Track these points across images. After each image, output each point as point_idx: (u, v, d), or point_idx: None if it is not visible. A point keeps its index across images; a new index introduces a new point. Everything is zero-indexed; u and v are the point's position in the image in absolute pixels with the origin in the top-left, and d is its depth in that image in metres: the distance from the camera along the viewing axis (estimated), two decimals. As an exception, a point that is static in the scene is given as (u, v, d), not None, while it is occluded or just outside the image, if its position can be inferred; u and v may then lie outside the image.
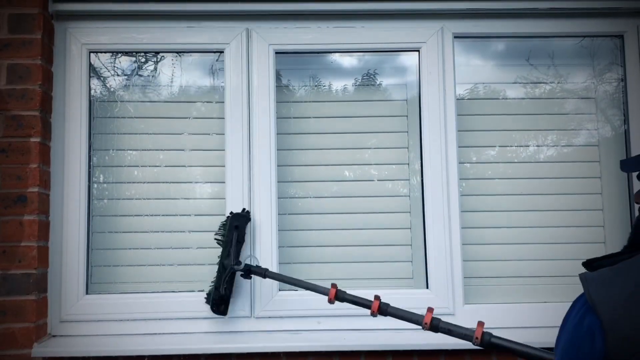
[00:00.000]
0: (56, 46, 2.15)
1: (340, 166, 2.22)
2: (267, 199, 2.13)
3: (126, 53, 2.24)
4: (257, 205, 2.13)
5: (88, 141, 2.14)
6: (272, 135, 2.15)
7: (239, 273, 1.96)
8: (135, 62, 2.26)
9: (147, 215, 2.17)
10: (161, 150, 2.20)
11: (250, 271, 1.93)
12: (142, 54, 2.25)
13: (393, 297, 2.09)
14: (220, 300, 1.99)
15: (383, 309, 1.70)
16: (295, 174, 2.22)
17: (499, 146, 2.24)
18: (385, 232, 2.19)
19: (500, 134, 2.25)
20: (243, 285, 2.08)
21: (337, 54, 2.28)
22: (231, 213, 2.06)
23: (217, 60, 2.24)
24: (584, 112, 2.26)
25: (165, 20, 2.19)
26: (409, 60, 2.27)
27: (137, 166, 2.19)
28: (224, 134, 2.16)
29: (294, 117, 2.24)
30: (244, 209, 2.07)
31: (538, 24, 2.23)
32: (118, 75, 2.24)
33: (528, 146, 2.25)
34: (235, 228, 2.02)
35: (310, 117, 2.25)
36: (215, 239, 2.05)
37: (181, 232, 2.17)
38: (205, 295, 2.04)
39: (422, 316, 1.64)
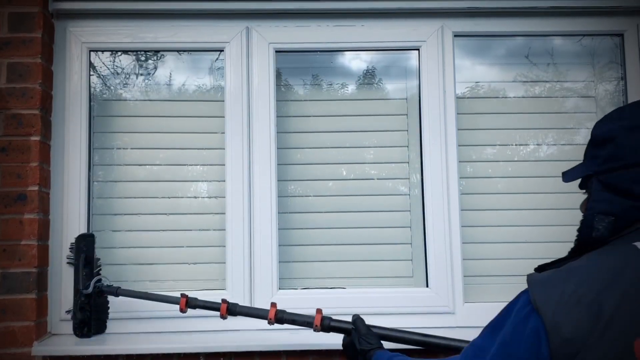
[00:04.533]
0: (56, 45, 2.15)
1: (340, 165, 2.22)
2: (267, 197, 2.13)
3: (126, 52, 2.24)
4: (257, 203, 2.13)
5: (88, 140, 2.14)
6: (272, 133, 2.15)
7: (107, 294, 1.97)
8: (135, 60, 2.26)
9: (147, 214, 2.18)
10: (161, 149, 2.20)
11: (102, 291, 1.95)
12: (142, 52, 2.25)
13: (393, 296, 2.10)
14: (81, 324, 1.96)
15: (232, 310, 1.75)
16: (295, 172, 2.22)
17: (499, 145, 2.25)
18: (385, 230, 2.19)
19: (500, 133, 2.25)
20: (243, 285, 2.08)
21: (337, 53, 2.28)
22: (76, 237, 2.03)
23: (217, 58, 2.24)
24: (583, 111, 2.26)
25: (165, 18, 2.19)
26: (409, 58, 2.27)
27: (137, 165, 2.19)
28: (224, 133, 2.16)
29: (294, 116, 2.24)
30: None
31: (538, 22, 2.23)
32: (118, 73, 2.24)
33: (528, 145, 2.25)
34: (83, 250, 1.99)
35: (310, 116, 2.25)
36: (68, 262, 2.05)
37: (181, 230, 2.17)
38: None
39: (266, 310, 1.71)
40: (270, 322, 1.70)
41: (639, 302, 0.87)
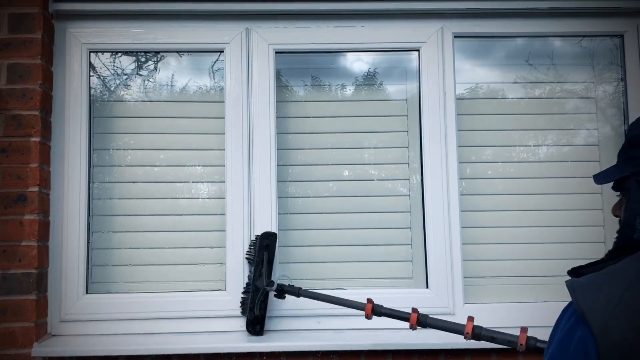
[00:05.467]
0: (56, 46, 2.16)
1: (340, 165, 2.22)
2: (267, 198, 2.13)
3: (126, 52, 2.24)
4: (257, 204, 2.13)
5: (88, 141, 2.14)
6: (272, 134, 2.15)
7: (272, 293, 1.96)
8: (135, 61, 2.26)
9: (147, 215, 2.18)
10: (161, 149, 2.20)
11: (284, 291, 1.90)
12: (142, 53, 2.25)
13: (393, 297, 2.10)
14: (255, 321, 1.99)
15: (422, 321, 1.65)
16: (295, 173, 2.22)
17: (499, 146, 2.24)
18: (385, 231, 2.19)
19: (500, 134, 2.25)
20: (243, 285, 2.08)
21: (337, 54, 2.28)
22: (260, 234, 2.05)
23: (217, 59, 2.24)
24: (583, 112, 2.27)
25: (165, 19, 2.19)
26: (409, 59, 2.27)
27: (137, 166, 2.19)
28: (224, 134, 2.16)
29: (293, 117, 2.24)
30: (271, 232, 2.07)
31: (538, 23, 2.23)
32: (118, 74, 2.24)
33: (528, 146, 2.25)
34: (265, 247, 2.01)
35: (310, 117, 2.25)
36: (247, 258, 2.06)
37: (181, 231, 2.17)
38: (240, 307, 2.04)
39: (462, 325, 1.60)
40: (466, 337, 1.58)
41: None
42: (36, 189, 1.99)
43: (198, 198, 2.19)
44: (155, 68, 2.26)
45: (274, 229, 2.11)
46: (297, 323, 2.09)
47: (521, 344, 1.53)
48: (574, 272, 1.07)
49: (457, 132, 2.17)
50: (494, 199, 2.22)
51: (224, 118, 2.17)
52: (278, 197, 2.15)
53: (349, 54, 2.28)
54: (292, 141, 2.23)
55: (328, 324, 2.08)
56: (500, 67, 2.29)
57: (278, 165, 2.16)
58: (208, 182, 2.20)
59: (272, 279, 1.99)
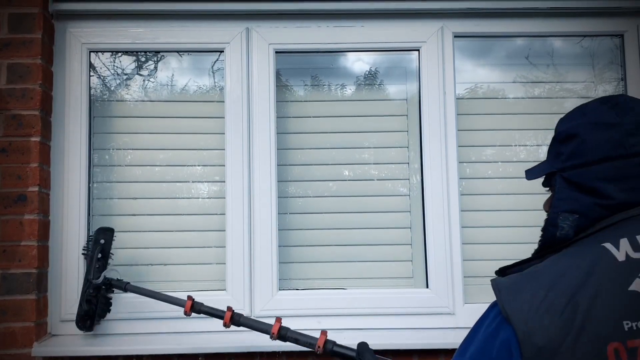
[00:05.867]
0: (56, 45, 2.15)
1: (340, 165, 2.22)
2: (267, 198, 2.13)
3: (126, 52, 2.24)
4: (257, 204, 2.13)
5: (88, 140, 2.14)
6: (272, 134, 2.15)
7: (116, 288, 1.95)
8: (135, 61, 2.26)
9: (147, 215, 2.18)
10: (161, 149, 2.20)
11: (111, 285, 1.93)
12: (142, 53, 2.25)
13: (393, 297, 2.10)
14: (85, 316, 1.95)
15: (235, 320, 1.71)
16: (295, 173, 2.22)
17: (499, 145, 2.24)
18: (385, 231, 2.19)
19: (500, 134, 2.25)
20: (243, 285, 2.08)
21: (337, 54, 2.28)
22: (97, 229, 2.03)
23: (217, 59, 2.24)
24: (583, 112, 2.26)
25: (165, 19, 2.19)
26: (409, 59, 2.27)
27: (137, 165, 2.19)
28: (224, 133, 2.16)
29: (294, 117, 2.24)
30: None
31: (538, 23, 2.23)
32: (118, 74, 2.24)
33: (528, 146, 2.25)
34: (100, 243, 1.99)
35: (310, 117, 2.25)
36: (82, 254, 2.05)
37: (181, 231, 2.17)
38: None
39: (270, 325, 1.67)
40: (272, 337, 1.65)
41: (610, 306, 0.85)
42: (36, 188, 1.99)
43: (198, 198, 2.19)
44: (155, 68, 2.26)
45: (274, 229, 2.12)
46: (297, 323, 2.08)
47: (319, 347, 1.58)
48: (501, 272, 1.05)
49: (457, 132, 2.17)
50: (494, 198, 2.22)
51: (224, 118, 2.17)
52: (278, 197, 2.15)
53: (349, 54, 2.28)
54: (292, 141, 2.23)
55: (327, 324, 2.08)
56: (500, 67, 2.29)
57: (278, 165, 2.16)
58: (208, 182, 2.20)
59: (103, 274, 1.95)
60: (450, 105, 2.17)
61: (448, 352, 1.97)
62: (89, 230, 2.12)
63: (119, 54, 2.24)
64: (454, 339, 1.94)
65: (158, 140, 2.20)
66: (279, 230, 2.13)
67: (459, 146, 2.18)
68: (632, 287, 0.86)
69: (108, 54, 2.24)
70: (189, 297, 1.78)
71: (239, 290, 2.08)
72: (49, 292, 2.06)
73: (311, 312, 2.09)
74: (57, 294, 2.07)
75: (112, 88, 2.24)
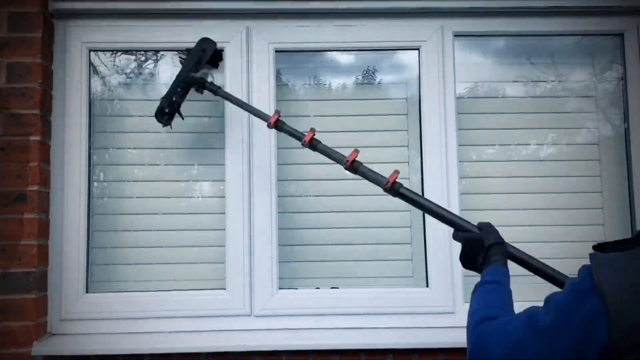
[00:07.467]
0: (56, 44, 2.15)
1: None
2: (267, 197, 2.13)
3: (126, 51, 2.24)
4: (257, 203, 2.12)
5: (88, 140, 2.14)
6: (272, 133, 2.15)
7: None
8: (135, 60, 2.25)
9: (147, 214, 2.17)
10: (161, 148, 2.20)
11: (204, 85, 2.00)
12: (142, 52, 2.25)
13: (393, 296, 2.10)
14: (163, 110, 2.00)
15: (314, 145, 1.76)
16: (295, 172, 2.22)
17: (499, 145, 2.24)
18: (385, 230, 2.19)
19: (500, 133, 2.25)
20: (242, 284, 2.08)
21: (337, 53, 2.28)
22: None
23: (217, 58, 2.24)
24: (584, 111, 2.26)
25: (165, 18, 2.19)
26: (409, 58, 2.27)
27: (137, 164, 2.19)
28: (223, 133, 2.16)
29: (294, 116, 2.24)
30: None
31: (538, 22, 2.23)
32: (118, 73, 2.24)
33: (528, 145, 2.25)
34: (202, 50, 2.07)
35: (310, 116, 2.25)
36: (180, 57, 2.14)
37: (181, 230, 2.17)
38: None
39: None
40: (346, 166, 1.73)
41: None
42: (36, 188, 1.99)
43: (198, 197, 2.19)
44: (155, 67, 2.25)
45: (274, 228, 2.11)
46: (295, 322, 2.09)
47: (388, 183, 1.62)
48: (600, 248, 1.03)
49: (457, 131, 2.17)
50: (494, 197, 2.21)
51: (223, 117, 2.17)
52: (278, 196, 2.15)
53: (349, 53, 2.28)
54: (292, 140, 2.21)
55: (327, 323, 2.08)
56: (500, 66, 2.29)
57: (278, 164, 2.16)
58: (208, 181, 2.20)
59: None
60: (450, 104, 2.17)
61: (448, 351, 1.97)
62: (88, 229, 2.12)
63: (119, 52, 2.24)
64: (454, 338, 1.94)
65: (158, 139, 2.20)
66: (278, 229, 2.13)
67: (459, 145, 2.17)
68: None
69: (108, 53, 2.23)
70: (277, 111, 1.85)
71: (239, 289, 2.08)
72: (49, 292, 2.06)
73: (310, 311, 2.09)
74: (57, 293, 2.06)
75: (112, 87, 2.24)
